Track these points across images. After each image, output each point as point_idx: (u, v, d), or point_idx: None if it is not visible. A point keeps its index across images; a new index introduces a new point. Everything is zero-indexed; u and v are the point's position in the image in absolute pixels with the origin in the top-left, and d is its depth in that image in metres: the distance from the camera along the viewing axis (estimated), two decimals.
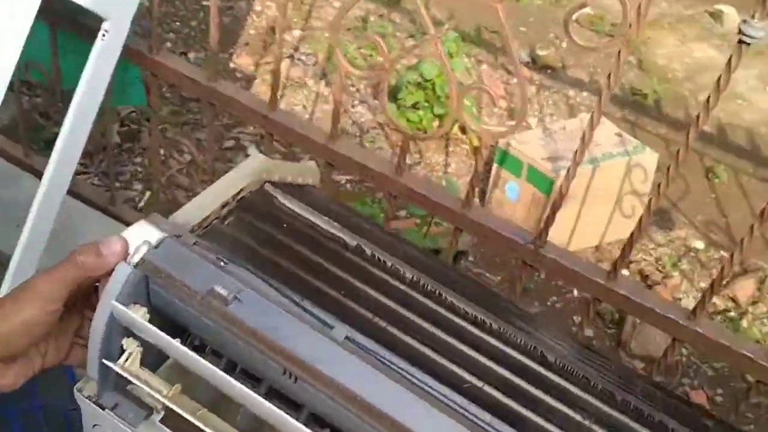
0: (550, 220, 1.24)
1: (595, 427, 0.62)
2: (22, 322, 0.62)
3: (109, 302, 0.61)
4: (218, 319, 0.60)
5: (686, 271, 2.50)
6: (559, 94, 3.24)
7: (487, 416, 0.58)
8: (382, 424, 0.54)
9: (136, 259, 0.62)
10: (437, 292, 0.70)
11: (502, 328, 0.69)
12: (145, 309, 0.62)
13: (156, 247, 0.62)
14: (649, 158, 2.44)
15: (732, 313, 2.37)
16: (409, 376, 0.59)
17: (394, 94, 2.81)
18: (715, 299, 2.42)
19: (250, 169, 0.75)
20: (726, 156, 3.09)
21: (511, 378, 0.64)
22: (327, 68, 3.04)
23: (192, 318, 0.62)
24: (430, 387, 0.59)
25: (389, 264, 0.72)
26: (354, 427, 0.56)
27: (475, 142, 2.83)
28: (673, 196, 2.80)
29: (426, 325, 0.66)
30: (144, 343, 0.63)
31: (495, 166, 2.41)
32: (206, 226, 0.69)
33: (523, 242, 1.27)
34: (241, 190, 0.73)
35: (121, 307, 0.60)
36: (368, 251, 0.73)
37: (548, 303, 2.24)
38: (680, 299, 2.39)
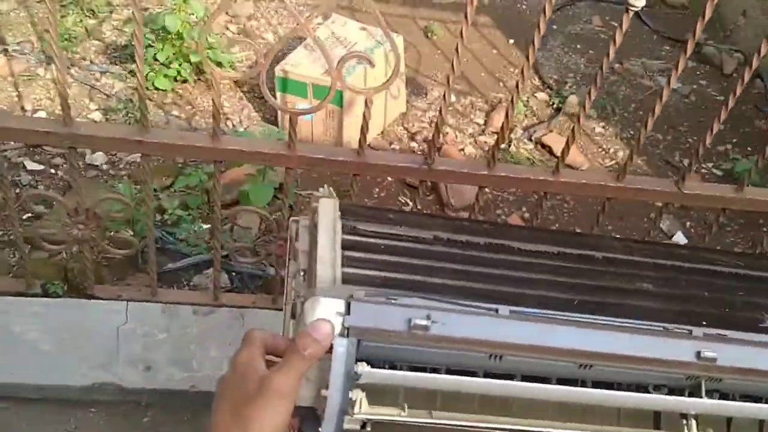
0: (435, 141, 1.47)
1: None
2: (277, 426, 0.72)
3: (341, 372, 0.74)
4: (428, 343, 0.76)
5: (453, 124, 2.91)
6: None
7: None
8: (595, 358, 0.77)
9: (338, 329, 0.75)
10: (515, 247, 0.91)
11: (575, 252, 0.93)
12: (364, 362, 0.76)
13: (348, 313, 0.75)
14: (397, 41, 2.72)
15: (503, 145, 2.85)
16: (569, 318, 0.81)
17: (131, 55, 2.72)
18: (484, 138, 2.88)
19: (332, 215, 0.87)
20: (433, 13, 3.49)
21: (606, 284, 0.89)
22: (47, 49, 2.81)
23: (395, 352, 0.77)
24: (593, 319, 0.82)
25: (465, 240, 0.91)
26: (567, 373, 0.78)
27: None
28: (412, 65, 3.15)
29: (533, 275, 0.88)
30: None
31: (279, 94, 2.52)
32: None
33: (419, 166, 1.49)
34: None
35: (365, 368, 0.74)
36: (445, 237, 0.91)
37: (375, 195, 2.51)
38: (462, 149, 2.80)
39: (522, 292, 0.85)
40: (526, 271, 0.88)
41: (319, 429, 0.77)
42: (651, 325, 0.82)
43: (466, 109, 3.00)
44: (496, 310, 0.80)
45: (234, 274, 2.07)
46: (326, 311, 0.75)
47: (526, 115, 3.01)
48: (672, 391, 0.83)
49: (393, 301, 0.78)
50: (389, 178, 2.57)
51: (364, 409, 0.77)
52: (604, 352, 0.78)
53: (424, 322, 0.76)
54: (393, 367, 0.79)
